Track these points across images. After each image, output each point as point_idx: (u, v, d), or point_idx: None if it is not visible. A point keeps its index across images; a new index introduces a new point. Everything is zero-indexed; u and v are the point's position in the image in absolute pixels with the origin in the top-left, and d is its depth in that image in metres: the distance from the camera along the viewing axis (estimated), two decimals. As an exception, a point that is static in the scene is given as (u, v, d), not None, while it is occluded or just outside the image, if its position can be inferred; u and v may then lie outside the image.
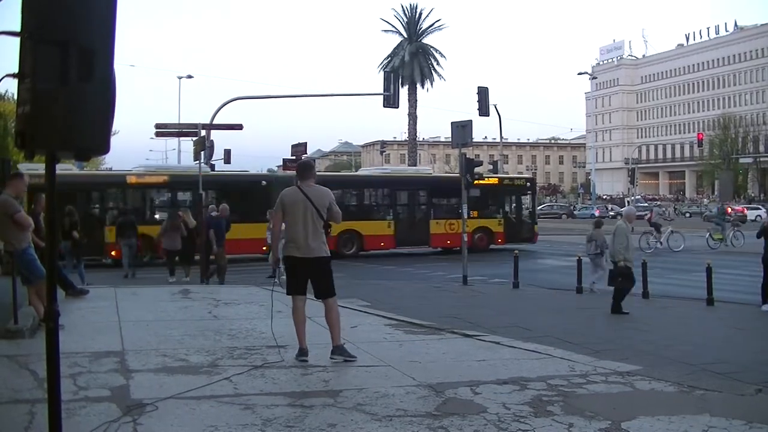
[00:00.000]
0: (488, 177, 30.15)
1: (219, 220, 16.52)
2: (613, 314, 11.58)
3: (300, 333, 7.11)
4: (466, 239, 17.36)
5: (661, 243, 26.13)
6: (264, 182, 25.26)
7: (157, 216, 23.55)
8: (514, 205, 29.08)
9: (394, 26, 58.55)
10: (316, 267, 7.02)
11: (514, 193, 29.20)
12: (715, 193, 78.23)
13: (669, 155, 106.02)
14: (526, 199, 29.59)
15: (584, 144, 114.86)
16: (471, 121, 16.95)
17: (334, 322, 7.08)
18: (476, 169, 19.78)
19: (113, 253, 21.15)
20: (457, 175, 18.86)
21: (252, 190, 24.72)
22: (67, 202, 16.12)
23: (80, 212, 17.14)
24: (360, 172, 33.24)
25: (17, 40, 3.48)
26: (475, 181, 28.78)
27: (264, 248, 21.29)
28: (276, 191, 26.03)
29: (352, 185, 28.03)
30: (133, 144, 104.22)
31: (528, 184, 30.24)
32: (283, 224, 7.15)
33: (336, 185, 22.39)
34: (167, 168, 30.63)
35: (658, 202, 48.75)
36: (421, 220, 27.14)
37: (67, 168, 24.65)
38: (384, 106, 26.48)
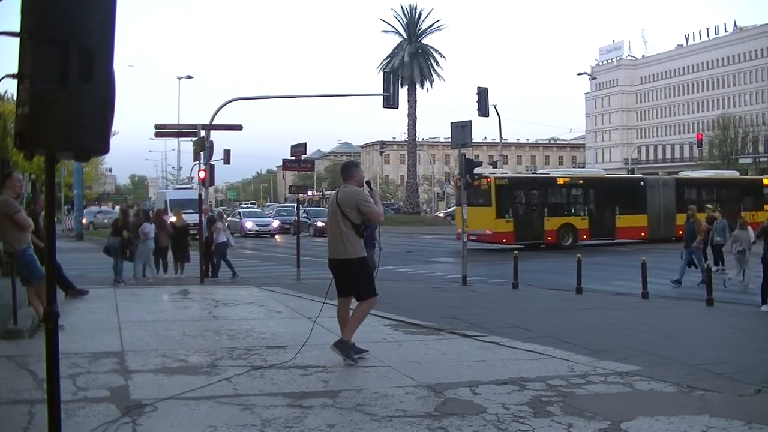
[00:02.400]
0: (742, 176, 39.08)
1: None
2: None
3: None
4: (465, 239, 17.34)
5: None
6: (642, 183, 32.08)
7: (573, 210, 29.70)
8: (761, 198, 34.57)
9: (393, 27, 58.66)
10: (342, 267, 7.14)
11: (759, 189, 34.95)
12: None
13: (669, 155, 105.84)
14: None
15: (584, 144, 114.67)
16: (470, 121, 16.90)
17: (350, 318, 7.12)
18: (476, 169, 19.71)
19: (549, 238, 27.96)
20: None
21: (633, 189, 31.48)
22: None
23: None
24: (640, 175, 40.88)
25: (17, 40, 3.48)
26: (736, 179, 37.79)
27: (642, 234, 30.09)
28: (650, 190, 30.52)
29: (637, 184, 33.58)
30: (133, 144, 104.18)
31: None
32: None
33: (629, 186, 32.51)
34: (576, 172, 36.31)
35: None
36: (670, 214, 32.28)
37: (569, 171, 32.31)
38: (383, 107, 26.53)
